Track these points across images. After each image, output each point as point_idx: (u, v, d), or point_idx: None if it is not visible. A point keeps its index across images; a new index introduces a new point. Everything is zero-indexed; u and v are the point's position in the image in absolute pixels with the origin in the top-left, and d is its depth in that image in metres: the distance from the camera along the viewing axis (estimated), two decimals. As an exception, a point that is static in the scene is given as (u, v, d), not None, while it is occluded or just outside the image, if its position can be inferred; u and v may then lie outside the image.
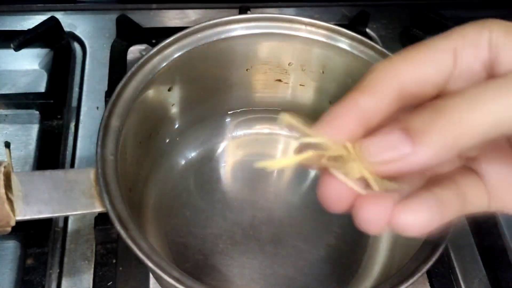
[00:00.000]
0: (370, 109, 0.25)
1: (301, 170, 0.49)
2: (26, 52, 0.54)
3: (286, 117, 0.27)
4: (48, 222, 0.42)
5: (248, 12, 0.57)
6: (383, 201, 0.24)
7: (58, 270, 0.41)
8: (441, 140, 0.21)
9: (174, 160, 0.48)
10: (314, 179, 0.48)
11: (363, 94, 0.26)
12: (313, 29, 0.43)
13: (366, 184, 0.24)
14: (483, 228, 0.46)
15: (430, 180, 0.26)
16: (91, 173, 0.35)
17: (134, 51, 0.57)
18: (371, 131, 0.24)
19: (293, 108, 0.51)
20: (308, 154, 0.25)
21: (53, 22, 0.55)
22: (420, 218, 0.23)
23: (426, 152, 0.21)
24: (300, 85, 0.49)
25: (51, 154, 0.47)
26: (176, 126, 0.48)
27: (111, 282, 0.40)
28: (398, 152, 0.22)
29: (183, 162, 0.48)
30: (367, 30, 0.60)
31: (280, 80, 0.48)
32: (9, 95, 0.51)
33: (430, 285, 0.43)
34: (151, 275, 0.42)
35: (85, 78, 0.54)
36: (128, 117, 0.38)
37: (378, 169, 0.23)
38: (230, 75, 0.47)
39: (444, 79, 0.23)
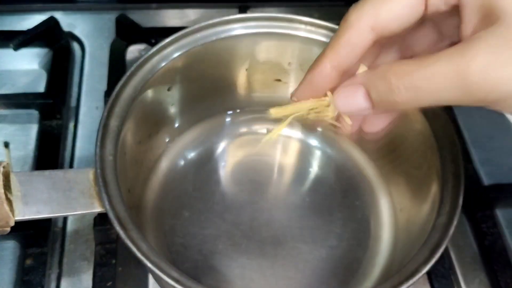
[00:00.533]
0: (347, 48, 0.29)
1: (301, 170, 0.49)
2: (25, 52, 0.54)
3: (274, 111, 0.34)
4: (47, 222, 0.42)
5: (248, 11, 0.57)
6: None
7: (57, 270, 0.41)
8: (395, 106, 0.26)
9: (173, 160, 0.48)
10: (314, 179, 0.48)
11: (348, 29, 0.29)
12: (312, 28, 0.43)
13: None
14: (483, 228, 0.45)
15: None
16: (90, 173, 0.35)
17: (133, 50, 0.57)
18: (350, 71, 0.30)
19: (293, 108, 0.51)
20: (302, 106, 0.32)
21: (53, 22, 0.55)
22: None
23: (381, 111, 0.28)
24: (300, 85, 0.49)
25: (50, 154, 0.47)
26: (176, 126, 0.48)
27: (110, 283, 0.40)
28: (359, 108, 0.28)
29: (182, 162, 0.48)
30: (367, 29, 0.60)
31: (279, 80, 0.48)
32: (8, 95, 0.51)
33: (430, 285, 0.43)
34: (150, 276, 0.42)
35: (84, 78, 0.54)
36: (128, 117, 0.38)
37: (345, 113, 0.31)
38: (229, 74, 0.47)
39: (415, 18, 0.28)
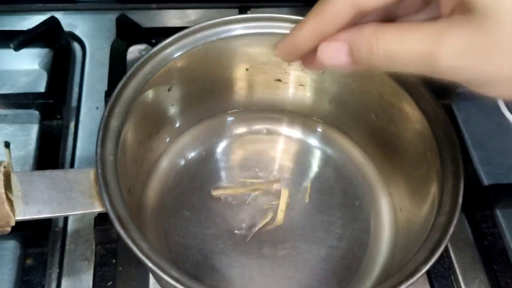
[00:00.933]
0: (328, 21, 0.31)
1: (301, 170, 0.49)
2: (26, 52, 0.54)
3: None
4: (47, 222, 0.42)
5: (248, 12, 0.57)
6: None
7: (57, 270, 0.41)
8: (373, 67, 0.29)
9: (174, 160, 0.48)
10: (314, 181, 0.48)
11: (329, 4, 0.31)
12: (313, 29, 0.43)
13: None
14: (483, 228, 0.46)
15: None
16: (90, 173, 0.35)
17: (134, 51, 0.57)
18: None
19: (293, 108, 0.51)
20: None
21: (53, 22, 0.55)
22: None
23: (360, 68, 0.29)
24: (300, 85, 0.49)
25: (50, 154, 0.47)
26: (176, 126, 0.48)
27: (110, 282, 0.40)
28: (341, 63, 0.30)
29: (183, 162, 0.48)
30: (367, 30, 0.60)
31: (279, 80, 0.48)
32: (8, 95, 0.51)
33: (430, 285, 0.43)
34: (150, 275, 0.42)
35: (85, 78, 0.54)
36: (128, 117, 0.38)
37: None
38: (229, 75, 0.47)
39: None
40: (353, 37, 0.29)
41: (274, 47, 0.35)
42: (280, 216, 0.44)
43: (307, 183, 0.48)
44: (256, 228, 0.44)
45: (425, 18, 0.32)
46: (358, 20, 0.31)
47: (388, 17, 0.33)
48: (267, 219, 0.44)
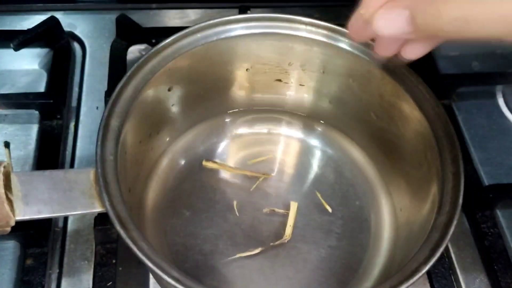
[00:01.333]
0: None
1: (301, 170, 0.49)
2: (25, 52, 0.54)
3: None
4: (47, 222, 0.42)
5: (248, 12, 0.57)
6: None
7: (57, 270, 0.41)
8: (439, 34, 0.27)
9: (174, 160, 0.48)
10: (314, 180, 0.48)
11: None
12: (313, 29, 0.43)
13: None
14: (483, 228, 0.45)
15: None
16: (90, 173, 0.35)
17: (134, 51, 0.57)
18: None
19: (293, 108, 0.51)
20: None
21: (53, 22, 0.55)
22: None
23: (422, 36, 0.28)
24: (300, 85, 0.49)
25: (50, 154, 0.47)
26: (176, 126, 0.48)
27: (110, 282, 0.40)
28: (400, 31, 0.28)
29: (183, 162, 0.48)
30: (367, 30, 0.60)
31: (280, 80, 0.48)
32: (8, 95, 0.51)
33: (430, 285, 0.43)
34: (151, 275, 0.42)
35: (85, 78, 0.54)
36: (128, 117, 0.38)
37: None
38: (230, 75, 0.47)
39: None
40: (417, 1, 0.27)
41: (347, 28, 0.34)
42: (289, 231, 0.44)
43: (307, 183, 0.48)
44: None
45: None
46: None
47: None
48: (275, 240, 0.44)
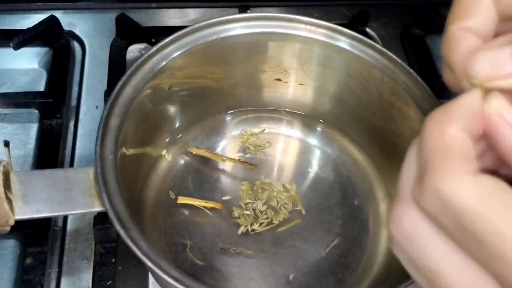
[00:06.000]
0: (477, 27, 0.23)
1: (300, 169, 0.49)
2: (25, 51, 0.54)
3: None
4: (47, 221, 0.42)
5: (248, 11, 0.57)
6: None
7: (57, 269, 0.41)
8: None
9: (173, 159, 0.48)
10: (314, 179, 0.48)
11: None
12: (312, 28, 0.43)
13: None
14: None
15: None
16: (90, 172, 0.35)
17: (133, 50, 0.57)
18: None
19: (293, 108, 0.51)
20: None
21: (53, 21, 0.55)
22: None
23: None
24: (300, 84, 0.49)
25: (50, 153, 0.47)
26: (176, 125, 0.48)
27: (110, 282, 0.40)
28: (505, 70, 0.20)
29: (182, 161, 0.48)
30: (367, 29, 0.60)
31: (279, 79, 0.48)
32: (8, 94, 0.50)
33: (430, 284, 0.43)
34: (150, 275, 0.42)
35: (85, 77, 0.54)
36: (128, 116, 0.38)
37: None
38: (229, 74, 0.47)
39: None
40: None
41: (443, 78, 0.27)
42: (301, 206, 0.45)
43: (307, 182, 0.48)
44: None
45: None
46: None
47: None
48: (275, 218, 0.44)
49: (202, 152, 0.47)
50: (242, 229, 0.44)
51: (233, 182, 0.47)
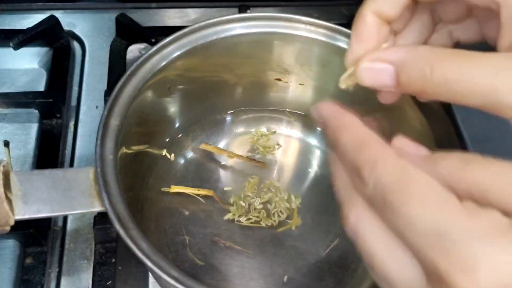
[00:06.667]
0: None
1: (301, 169, 0.49)
2: (25, 51, 0.54)
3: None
4: (47, 221, 0.42)
5: (248, 11, 0.57)
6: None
7: (57, 269, 0.41)
8: (421, 94, 0.26)
9: (173, 159, 0.48)
10: (314, 179, 0.48)
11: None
12: (312, 28, 0.43)
13: None
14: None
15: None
16: (90, 172, 0.35)
17: (133, 50, 0.57)
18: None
19: (293, 108, 0.51)
20: None
21: (53, 21, 0.55)
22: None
23: (406, 92, 0.27)
24: (300, 84, 0.49)
25: (50, 153, 0.47)
26: (176, 125, 0.48)
27: (110, 281, 0.40)
28: (383, 85, 0.28)
29: (182, 161, 0.48)
30: (367, 29, 0.60)
31: (279, 79, 0.48)
32: (8, 94, 0.50)
33: (430, 284, 0.43)
34: (150, 275, 0.42)
35: (85, 77, 0.54)
36: (128, 116, 0.38)
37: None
38: (229, 74, 0.47)
39: None
40: (403, 58, 0.26)
41: (345, 59, 0.32)
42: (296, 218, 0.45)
43: (307, 182, 0.48)
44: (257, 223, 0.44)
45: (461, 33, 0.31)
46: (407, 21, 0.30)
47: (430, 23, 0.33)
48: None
49: (210, 148, 0.47)
50: (229, 216, 0.44)
51: (233, 182, 0.47)
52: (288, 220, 0.45)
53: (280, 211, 0.45)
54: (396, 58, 0.27)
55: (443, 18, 0.33)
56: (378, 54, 0.28)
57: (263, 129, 0.51)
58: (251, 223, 0.44)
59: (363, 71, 0.29)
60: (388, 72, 0.27)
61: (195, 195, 0.45)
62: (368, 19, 0.30)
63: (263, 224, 0.44)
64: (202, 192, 0.45)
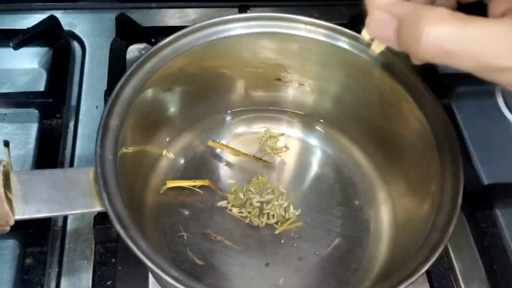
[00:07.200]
0: None
1: (301, 169, 0.49)
2: (25, 51, 0.54)
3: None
4: (47, 221, 0.42)
5: (248, 11, 0.57)
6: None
7: (57, 269, 0.41)
8: (415, 54, 0.27)
9: (173, 159, 0.48)
10: (314, 178, 0.48)
11: None
12: (312, 28, 0.43)
13: None
14: (482, 227, 0.46)
15: None
16: (90, 172, 0.35)
17: (133, 50, 0.57)
18: None
19: (293, 108, 0.51)
20: None
21: (53, 21, 0.55)
22: None
23: (405, 50, 0.28)
24: (300, 84, 0.49)
25: (50, 153, 0.47)
26: (176, 125, 0.48)
27: (110, 281, 0.40)
28: (386, 39, 0.29)
29: (182, 161, 0.48)
30: (367, 29, 0.60)
31: (279, 79, 0.48)
32: (8, 94, 0.50)
33: (430, 285, 0.43)
34: (150, 275, 0.42)
35: (85, 77, 0.54)
36: (128, 116, 0.38)
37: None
38: (229, 74, 0.47)
39: None
40: (407, 14, 0.27)
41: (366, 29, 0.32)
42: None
43: (307, 182, 0.48)
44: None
45: None
46: None
47: None
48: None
49: (218, 145, 0.48)
50: (222, 202, 0.45)
51: (233, 182, 0.47)
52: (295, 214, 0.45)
53: (272, 215, 0.45)
54: (401, 11, 0.28)
55: None
56: (388, 5, 0.29)
57: (263, 129, 0.51)
58: (240, 216, 0.44)
59: (371, 21, 0.30)
60: (392, 26, 0.28)
61: (191, 187, 0.45)
62: None
63: (250, 221, 0.44)
64: (198, 183, 0.45)
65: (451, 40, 0.25)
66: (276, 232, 0.44)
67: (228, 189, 0.46)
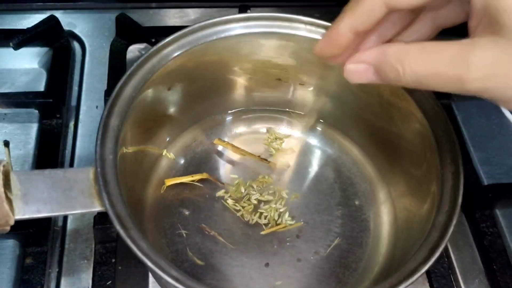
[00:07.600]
0: (362, 16, 0.31)
1: (301, 169, 0.49)
2: (25, 51, 0.54)
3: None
4: (47, 221, 0.42)
5: (248, 11, 0.57)
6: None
7: (57, 269, 0.41)
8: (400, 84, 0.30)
9: (173, 159, 0.48)
10: (314, 179, 0.48)
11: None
12: (312, 28, 0.43)
13: None
14: (482, 227, 0.46)
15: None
16: (90, 172, 0.35)
17: (133, 50, 0.57)
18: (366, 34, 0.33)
19: (293, 108, 0.51)
20: None
21: (53, 21, 0.55)
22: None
23: (390, 84, 0.30)
24: (300, 84, 0.49)
25: (50, 153, 0.47)
26: (176, 125, 0.48)
27: (110, 281, 0.40)
28: (368, 80, 0.32)
29: (182, 161, 0.48)
30: (367, 29, 0.60)
31: (279, 79, 0.48)
32: (8, 94, 0.51)
33: (430, 285, 0.43)
34: (150, 274, 0.42)
35: (85, 77, 0.54)
36: (128, 116, 0.38)
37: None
38: (229, 74, 0.47)
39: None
40: (378, 60, 0.30)
41: (314, 49, 0.35)
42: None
43: (307, 182, 0.48)
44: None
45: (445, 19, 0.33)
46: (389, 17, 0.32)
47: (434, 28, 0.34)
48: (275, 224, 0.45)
49: (224, 144, 0.48)
50: (220, 192, 0.46)
51: (233, 182, 0.47)
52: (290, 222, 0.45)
53: (265, 216, 0.45)
54: (371, 60, 0.31)
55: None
56: (358, 56, 0.32)
57: (263, 129, 0.51)
58: (234, 209, 0.45)
59: (349, 72, 0.33)
60: (370, 71, 0.31)
61: (191, 183, 0.45)
62: (342, 32, 0.32)
63: (241, 215, 0.44)
64: (196, 177, 0.45)
65: (428, 72, 0.27)
66: (262, 233, 0.44)
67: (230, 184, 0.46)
